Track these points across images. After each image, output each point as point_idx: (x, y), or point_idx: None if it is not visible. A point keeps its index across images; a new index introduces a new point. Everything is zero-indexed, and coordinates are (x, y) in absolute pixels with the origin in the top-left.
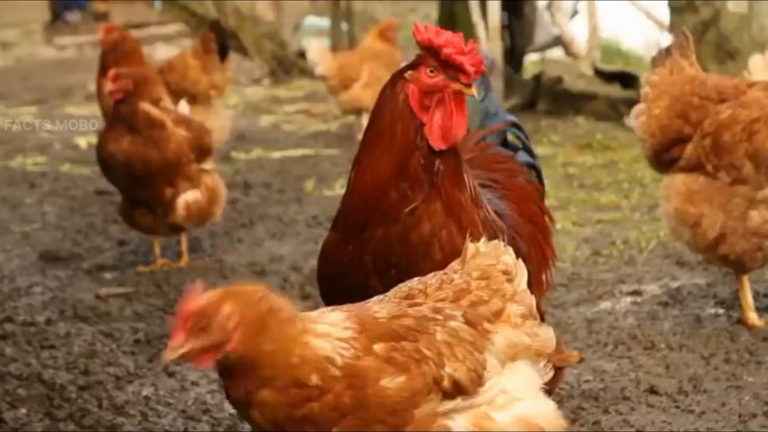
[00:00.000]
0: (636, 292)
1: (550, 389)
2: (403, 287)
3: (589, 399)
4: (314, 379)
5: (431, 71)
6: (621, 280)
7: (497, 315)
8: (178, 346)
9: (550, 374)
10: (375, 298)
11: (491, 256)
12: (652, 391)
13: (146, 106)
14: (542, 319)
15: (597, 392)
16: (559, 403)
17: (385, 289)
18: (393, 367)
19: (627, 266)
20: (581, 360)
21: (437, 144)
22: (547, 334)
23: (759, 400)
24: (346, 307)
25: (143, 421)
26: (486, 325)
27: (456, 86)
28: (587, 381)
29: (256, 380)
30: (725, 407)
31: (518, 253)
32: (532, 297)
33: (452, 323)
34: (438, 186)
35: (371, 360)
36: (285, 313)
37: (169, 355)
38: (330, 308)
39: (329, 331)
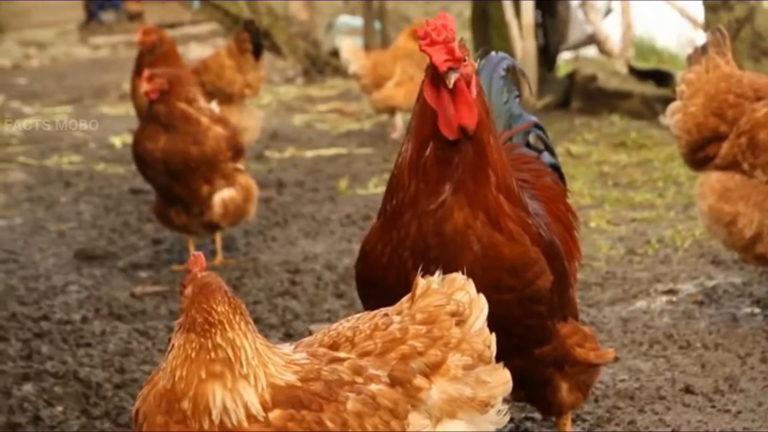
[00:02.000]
0: (671, 291)
1: (587, 387)
2: (332, 330)
3: (624, 398)
4: (194, 426)
5: (465, 60)
6: (656, 279)
7: (434, 367)
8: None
9: (504, 420)
10: (305, 340)
11: (442, 295)
12: (688, 390)
13: (182, 105)
14: (576, 318)
15: (632, 391)
16: (595, 402)
17: None
18: None
19: (662, 265)
20: (616, 359)
21: (445, 132)
22: (500, 378)
23: None
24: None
25: None
26: (418, 381)
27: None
28: (623, 380)
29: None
30: (761, 407)
31: (554, 253)
32: (488, 337)
33: (372, 387)
34: (459, 178)
35: (259, 427)
36: (224, 342)
37: None
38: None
39: (239, 385)
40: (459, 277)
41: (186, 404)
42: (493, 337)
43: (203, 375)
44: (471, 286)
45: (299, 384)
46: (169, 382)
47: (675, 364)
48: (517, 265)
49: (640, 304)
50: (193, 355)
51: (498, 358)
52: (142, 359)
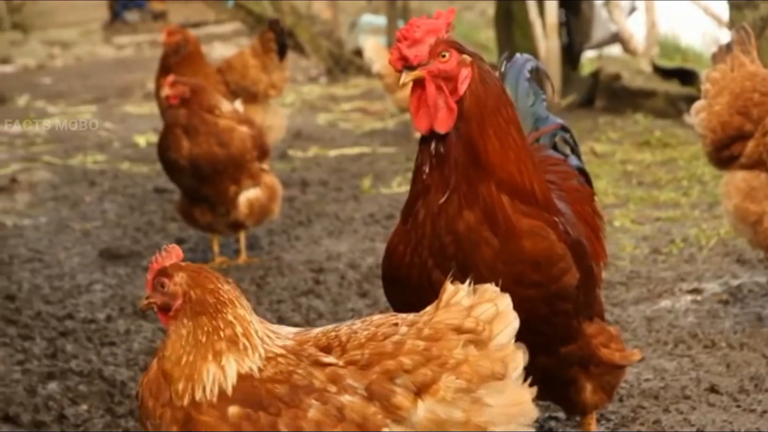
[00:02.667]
0: (696, 291)
1: (611, 388)
2: (334, 330)
3: (649, 398)
4: (174, 398)
5: (443, 56)
6: (681, 278)
7: (423, 386)
8: (144, 296)
9: None
10: (307, 333)
11: (462, 310)
12: (713, 390)
13: (202, 112)
14: (602, 319)
15: (657, 391)
16: (619, 401)
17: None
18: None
19: (687, 264)
20: (641, 358)
21: (419, 129)
22: (511, 400)
23: None
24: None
25: None
26: (398, 398)
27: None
28: (647, 380)
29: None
30: None
31: (580, 251)
32: (510, 354)
33: (345, 398)
34: (456, 176)
35: (213, 418)
36: (219, 319)
37: (140, 303)
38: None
39: (227, 369)
40: (491, 289)
41: (180, 385)
42: (519, 354)
43: (210, 356)
44: (503, 298)
45: (266, 383)
46: (173, 367)
47: (700, 364)
48: (540, 259)
49: (665, 303)
50: (204, 339)
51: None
52: None
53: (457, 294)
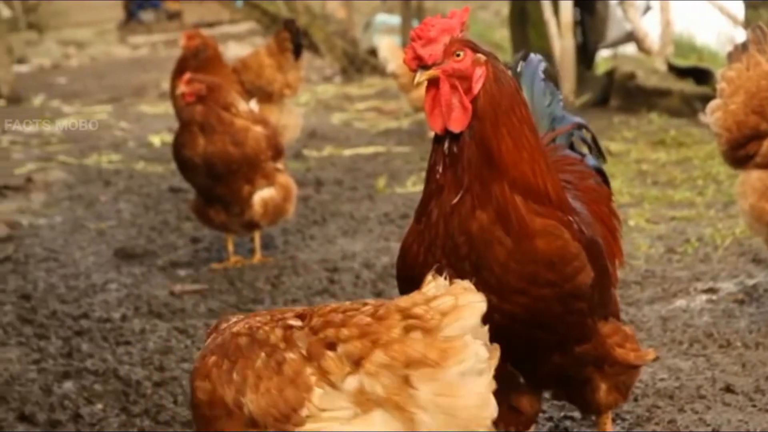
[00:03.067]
0: (711, 290)
1: (626, 388)
2: (321, 305)
3: (664, 397)
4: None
5: (458, 55)
6: (696, 278)
7: (356, 358)
8: None
9: None
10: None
11: (420, 298)
12: (728, 389)
13: (218, 110)
14: (617, 318)
15: (672, 391)
16: (635, 401)
17: None
18: (206, 380)
19: (702, 264)
20: (656, 358)
21: (433, 129)
22: (451, 390)
23: None
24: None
25: None
26: (328, 363)
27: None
28: (662, 379)
29: None
30: None
31: (595, 250)
32: (461, 346)
33: (288, 354)
34: (469, 176)
35: (201, 365)
36: None
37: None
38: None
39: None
40: (463, 284)
41: None
42: (471, 350)
43: None
44: (467, 295)
45: (237, 336)
46: None
47: (715, 363)
48: (554, 258)
49: (680, 302)
50: None
51: (539, 355)
52: (182, 357)
53: (430, 284)
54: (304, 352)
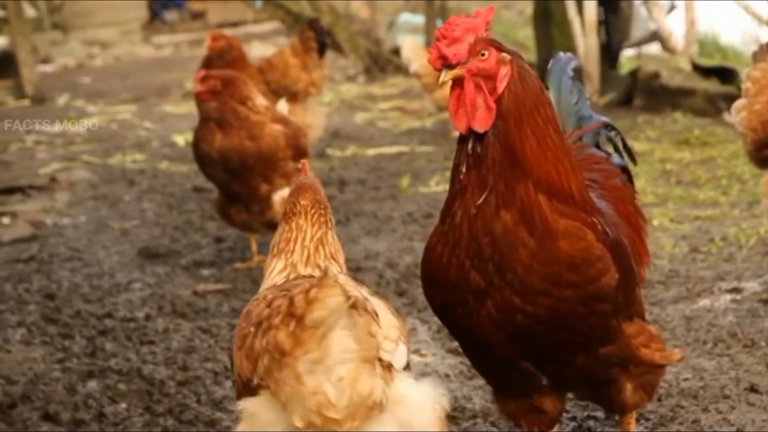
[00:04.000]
0: (735, 290)
1: (651, 388)
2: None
3: (688, 397)
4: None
5: (482, 55)
6: (720, 278)
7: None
8: None
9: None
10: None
11: (307, 286)
12: (753, 389)
13: (233, 103)
14: (642, 318)
15: (696, 390)
16: (658, 400)
17: (488, 285)
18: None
19: (726, 263)
20: (681, 358)
21: (457, 128)
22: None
23: None
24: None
25: None
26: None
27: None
28: (686, 379)
29: None
30: None
31: (620, 251)
32: (317, 338)
33: (258, 307)
34: (491, 174)
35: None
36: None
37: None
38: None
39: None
40: (333, 277)
41: None
42: (330, 340)
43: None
44: (336, 289)
45: (259, 297)
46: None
47: (739, 363)
48: (577, 260)
49: (704, 302)
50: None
51: (563, 357)
52: (205, 357)
53: (326, 276)
54: (266, 309)
